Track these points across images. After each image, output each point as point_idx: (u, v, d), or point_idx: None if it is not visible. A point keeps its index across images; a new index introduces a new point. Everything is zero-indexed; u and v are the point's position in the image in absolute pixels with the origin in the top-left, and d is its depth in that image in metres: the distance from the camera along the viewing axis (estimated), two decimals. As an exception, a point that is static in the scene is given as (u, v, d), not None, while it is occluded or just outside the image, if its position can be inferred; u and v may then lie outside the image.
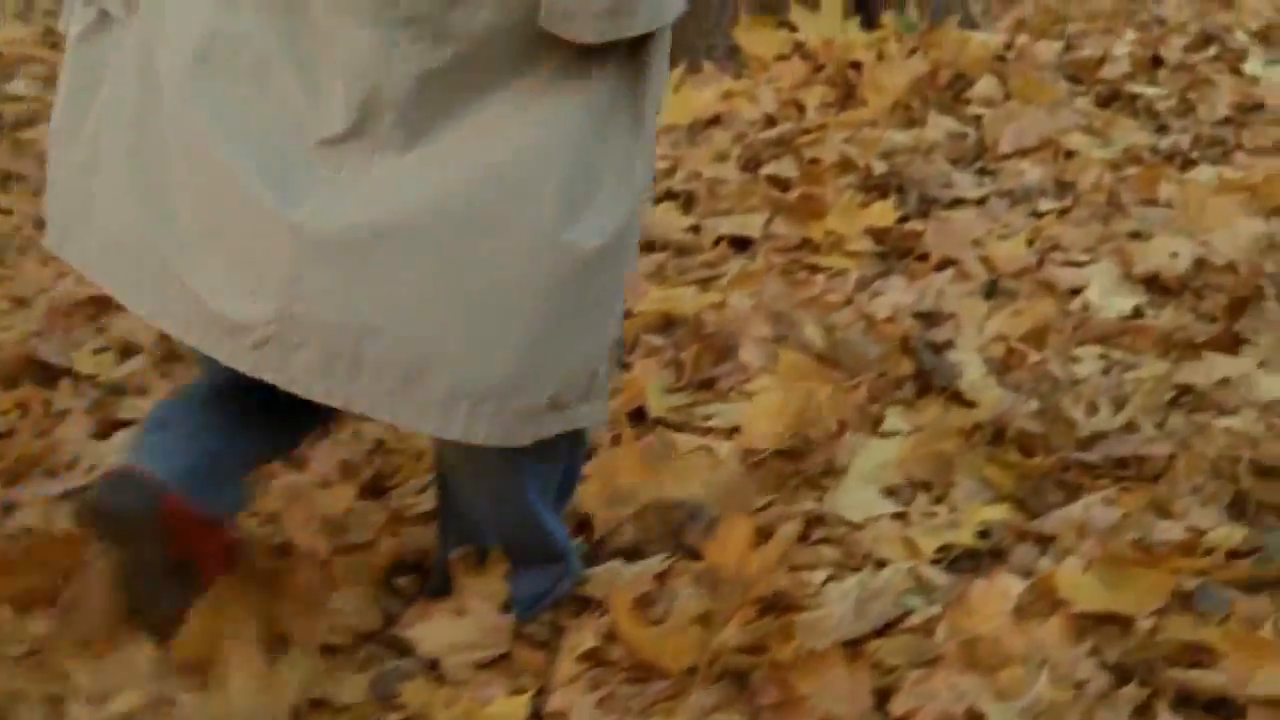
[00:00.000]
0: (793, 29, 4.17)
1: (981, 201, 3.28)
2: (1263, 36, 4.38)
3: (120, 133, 1.82)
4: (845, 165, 3.41)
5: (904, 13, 4.27)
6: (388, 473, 2.32)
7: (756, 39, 4.12)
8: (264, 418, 1.93)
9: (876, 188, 3.33)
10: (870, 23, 4.26)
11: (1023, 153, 3.49)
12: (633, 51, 1.76)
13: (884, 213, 3.12)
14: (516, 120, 1.74)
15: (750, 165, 3.52)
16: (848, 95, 3.89)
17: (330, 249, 1.71)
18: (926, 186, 3.31)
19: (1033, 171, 3.38)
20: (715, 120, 3.84)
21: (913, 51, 4.01)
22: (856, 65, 3.93)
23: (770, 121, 3.78)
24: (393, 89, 1.71)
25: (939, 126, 3.65)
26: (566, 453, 1.98)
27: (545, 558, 1.99)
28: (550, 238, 1.74)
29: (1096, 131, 3.60)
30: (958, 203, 3.29)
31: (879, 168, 3.38)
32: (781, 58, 4.10)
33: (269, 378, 1.75)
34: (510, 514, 1.95)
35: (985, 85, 3.90)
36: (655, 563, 2.01)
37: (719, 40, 4.16)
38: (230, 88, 1.75)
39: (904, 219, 3.16)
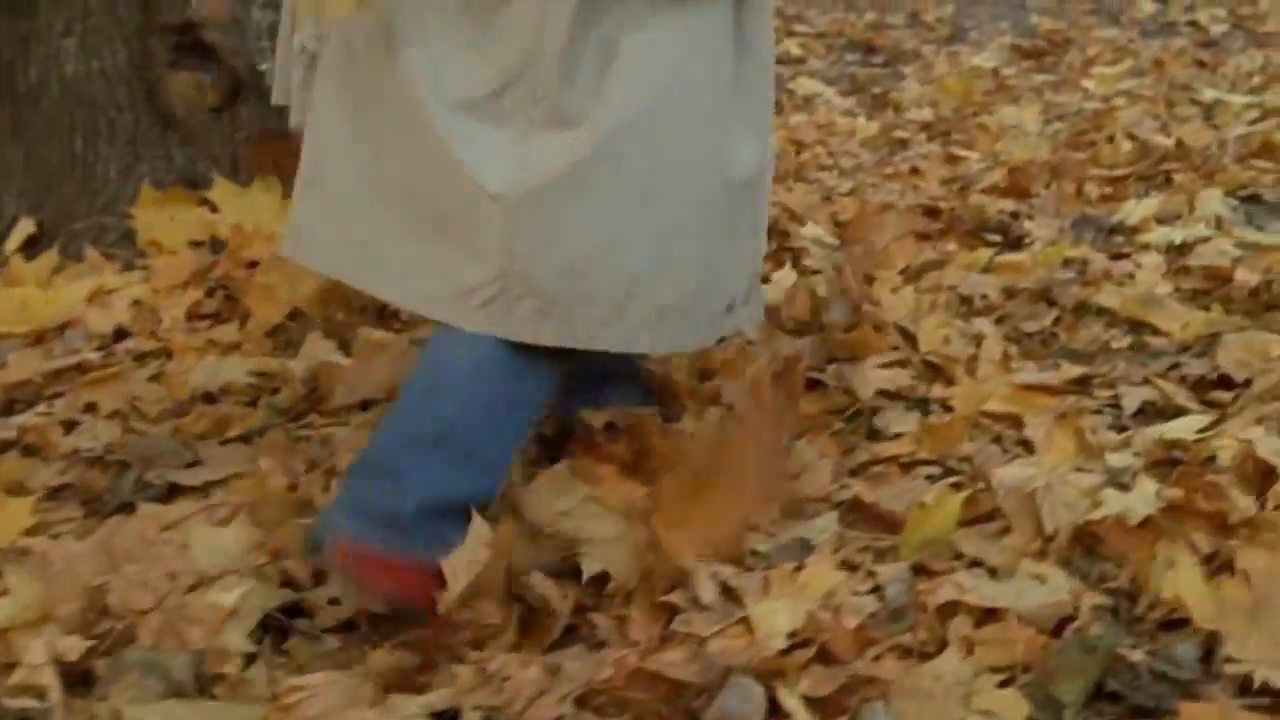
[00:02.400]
0: (215, 209, 3.40)
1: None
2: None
3: (338, 139, 2.13)
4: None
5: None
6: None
7: (161, 221, 3.33)
8: None
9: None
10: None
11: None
12: None
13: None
14: (657, 60, 2.01)
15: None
16: (232, 306, 3.13)
17: (532, 209, 1.99)
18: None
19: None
20: (64, 328, 3.07)
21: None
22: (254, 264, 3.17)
23: (120, 335, 3.00)
24: (553, 42, 1.97)
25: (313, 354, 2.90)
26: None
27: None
28: (712, 165, 2.07)
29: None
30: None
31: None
32: (195, 244, 3.33)
33: (497, 331, 2.03)
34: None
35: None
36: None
37: (113, 220, 3.35)
38: (421, 60, 2.03)
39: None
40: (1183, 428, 2.47)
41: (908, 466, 2.48)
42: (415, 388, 2.11)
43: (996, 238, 3.57)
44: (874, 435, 2.60)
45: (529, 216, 1.99)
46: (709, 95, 2.06)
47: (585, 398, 2.39)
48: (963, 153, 4.83)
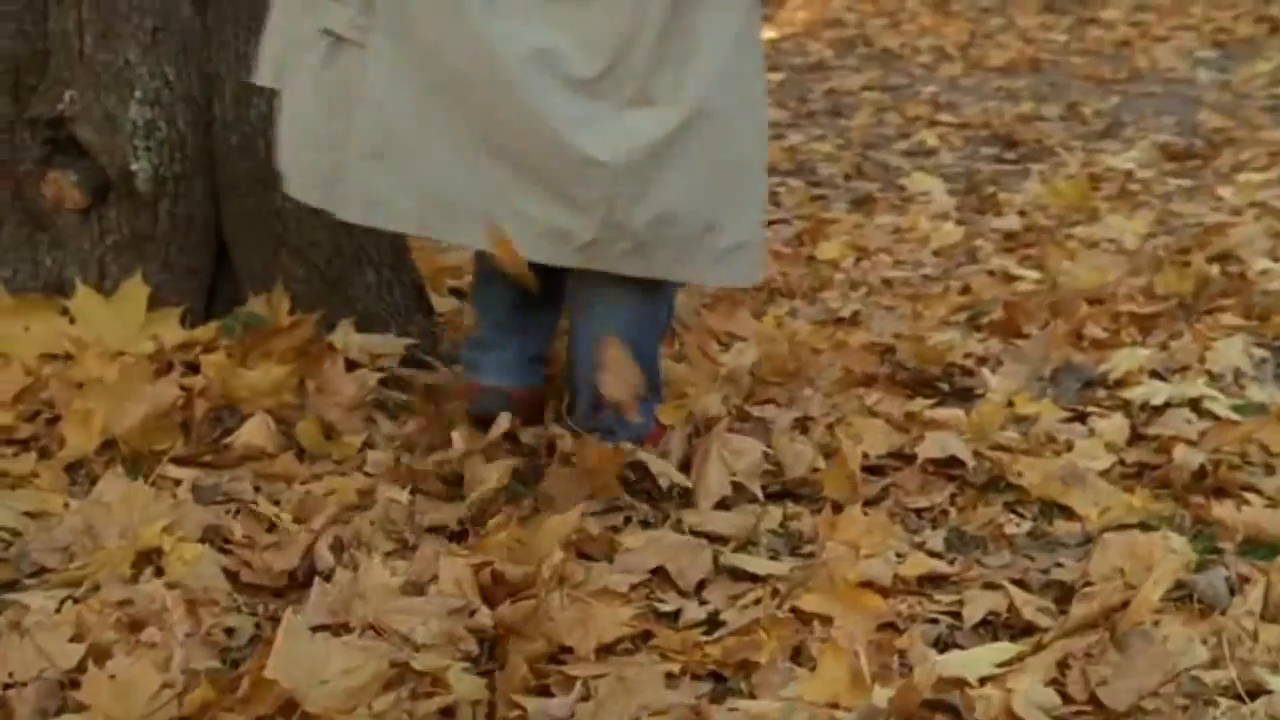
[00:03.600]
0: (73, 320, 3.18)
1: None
2: None
3: (408, 108, 2.58)
4: None
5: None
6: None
7: (14, 331, 3.11)
8: (537, 314, 2.91)
9: None
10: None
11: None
12: None
13: None
14: (727, 46, 2.60)
15: None
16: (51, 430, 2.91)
17: (631, 173, 2.55)
18: None
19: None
20: None
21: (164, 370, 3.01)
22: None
23: None
24: (650, 31, 2.53)
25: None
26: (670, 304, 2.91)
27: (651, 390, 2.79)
28: (759, 120, 2.72)
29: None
30: None
31: None
32: (49, 358, 3.12)
33: (596, 266, 2.62)
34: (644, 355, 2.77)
35: (254, 428, 2.90)
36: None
37: (-36, 328, 3.15)
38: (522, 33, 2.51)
39: None
40: (970, 663, 2.08)
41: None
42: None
43: (943, 387, 3.17)
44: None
45: (629, 179, 2.55)
46: (759, 78, 2.74)
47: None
48: (1022, 271, 4.42)
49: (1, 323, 3.13)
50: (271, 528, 2.57)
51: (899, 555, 2.47)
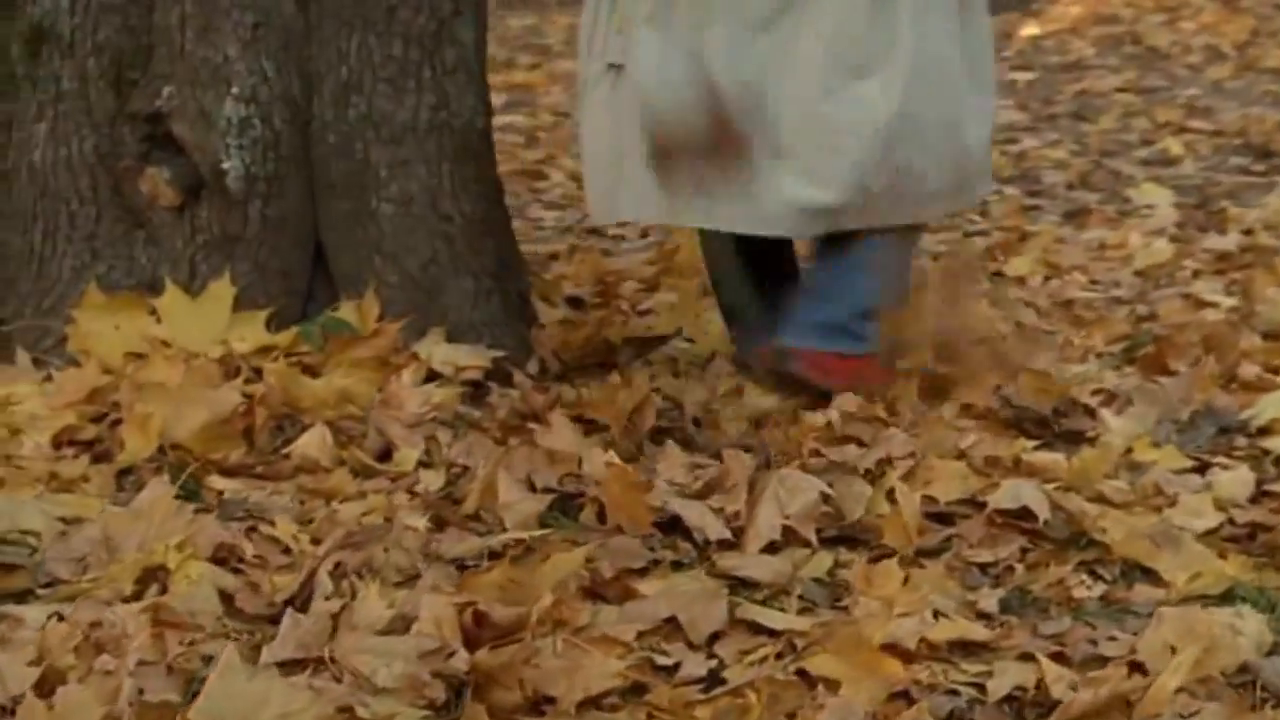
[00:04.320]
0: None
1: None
2: None
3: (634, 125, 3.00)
4: None
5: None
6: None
7: (103, 328, 3.11)
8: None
9: None
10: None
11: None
12: None
13: None
14: (933, 16, 3.00)
15: None
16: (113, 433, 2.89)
17: (874, 144, 2.93)
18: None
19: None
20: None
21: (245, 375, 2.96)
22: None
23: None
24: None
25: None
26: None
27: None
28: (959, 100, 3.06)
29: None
30: None
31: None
32: (135, 356, 3.11)
33: (836, 229, 3.00)
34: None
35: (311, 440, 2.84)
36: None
37: (57, 323, 3.16)
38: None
39: None
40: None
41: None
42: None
43: (1056, 426, 2.95)
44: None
45: (871, 149, 2.92)
46: (954, 44, 3.03)
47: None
48: (1218, 298, 4.13)
49: (91, 319, 3.11)
50: (287, 550, 2.49)
51: (939, 615, 2.28)
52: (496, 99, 7.42)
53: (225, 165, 3.13)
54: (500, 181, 3.41)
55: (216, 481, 2.74)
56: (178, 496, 2.64)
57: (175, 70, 3.15)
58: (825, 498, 2.59)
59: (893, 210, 3.01)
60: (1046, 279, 4.44)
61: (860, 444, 2.79)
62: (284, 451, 2.84)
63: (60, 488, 2.73)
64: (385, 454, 2.86)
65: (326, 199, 3.21)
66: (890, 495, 2.60)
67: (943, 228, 4.79)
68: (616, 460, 2.68)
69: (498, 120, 7.07)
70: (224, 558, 2.46)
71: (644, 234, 4.97)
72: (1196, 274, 4.44)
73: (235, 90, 3.14)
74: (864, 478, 2.66)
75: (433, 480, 2.74)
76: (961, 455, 2.74)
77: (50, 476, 2.76)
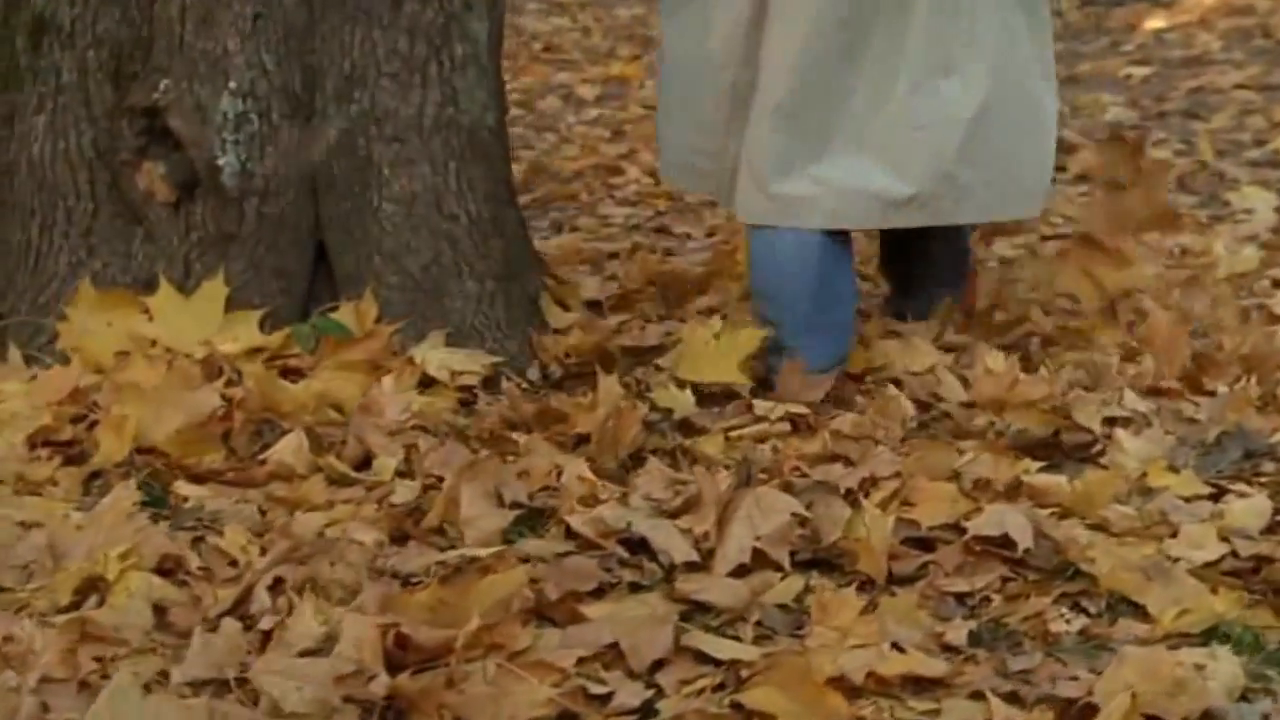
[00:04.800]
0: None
1: None
2: None
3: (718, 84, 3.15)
4: None
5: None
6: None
7: (95, 325, 3.07)
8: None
9: None
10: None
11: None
12: None
13: None
14: (1006, 13, 3.04)
15: None
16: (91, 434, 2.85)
17: (949, 137, 2.98)
18: None
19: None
20: None
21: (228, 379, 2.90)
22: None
23: None
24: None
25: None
26: None
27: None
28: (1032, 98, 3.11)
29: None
30: None
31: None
32: (125, 355, 3.07)
33: (917, 223, 3.09)
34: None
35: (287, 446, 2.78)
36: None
37: (51, 319, 3.13)
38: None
39: None
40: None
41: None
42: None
43: (1061, 452, 2.82)
44: None
45: (947, 143, 2.98)
46: (1026, 41, 3.07)
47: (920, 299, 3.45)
48: (1285, 312, 3.94)
49: (84, 316, 3.08)
50: (234, 562, 2.44)
51: (896, 647, 2.17)
52: (590, 90, 7.43)
53: (220, 161, 3.09)
54: (512, 181, 3.34)
55: (184, 488, 2.68)
56: (144, 503, 2.60)
57: (173, 63, 3.11)
58: (803, 520, 2.48)
59: (982, 206, 3.10)
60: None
61: (848, 462, 2.68)
62: (260, 457, 2.78)
63: (27, 490, 2.70)
64: (365, 462, 2.80)
65: (327, 197, 3.16)
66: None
67: (1019, 230, 4.63)
68: (589, 474, 2.59)
69: (587, 115, 7.07)
70: (170, 569, 2.41)
71: (710, 233, 4.86)
72: (1277, 284, 4.25)
73: (232, 84, 3.09)
74: (845, 498, 2.54)
75: (407, 492, 2.67)
76: (954, 476, 2.62)
77: (18, 478, 2.72)
